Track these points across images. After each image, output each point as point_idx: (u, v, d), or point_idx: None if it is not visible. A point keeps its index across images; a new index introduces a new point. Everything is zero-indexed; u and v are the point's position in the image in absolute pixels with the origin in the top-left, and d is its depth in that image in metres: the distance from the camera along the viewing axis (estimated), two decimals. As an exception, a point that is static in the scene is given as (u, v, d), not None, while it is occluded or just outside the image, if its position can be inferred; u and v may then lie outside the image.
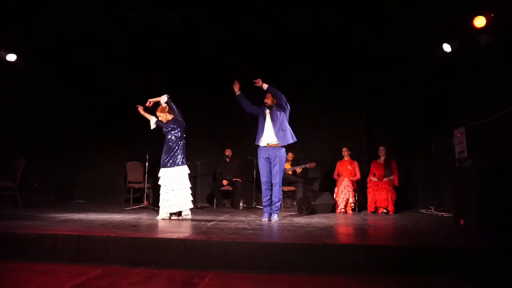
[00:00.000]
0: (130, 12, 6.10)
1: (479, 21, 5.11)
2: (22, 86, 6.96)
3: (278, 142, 4.80)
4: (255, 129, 5.03)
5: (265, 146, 4.85)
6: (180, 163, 4.83)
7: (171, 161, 4.81)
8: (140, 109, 5.24)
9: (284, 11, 6.12)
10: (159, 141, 7.40)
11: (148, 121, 5.25)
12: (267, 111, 4.95)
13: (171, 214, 4.80)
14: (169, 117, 5.04)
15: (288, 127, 4.90)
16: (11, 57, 6.41)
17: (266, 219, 4.79)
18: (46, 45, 6.80)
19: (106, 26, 6.41)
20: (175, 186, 4.74)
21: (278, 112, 4.86)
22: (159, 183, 4.88)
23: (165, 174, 4.81)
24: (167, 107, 5.02)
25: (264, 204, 4.89)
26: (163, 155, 4.87)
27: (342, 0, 5.85)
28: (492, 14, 5.03)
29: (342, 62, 7.36)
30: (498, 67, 5.03)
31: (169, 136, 4.92)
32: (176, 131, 4.92)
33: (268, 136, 4.85)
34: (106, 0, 5.80)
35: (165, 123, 5.02)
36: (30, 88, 7.04)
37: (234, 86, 4.97)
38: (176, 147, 4.87)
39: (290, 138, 4.87)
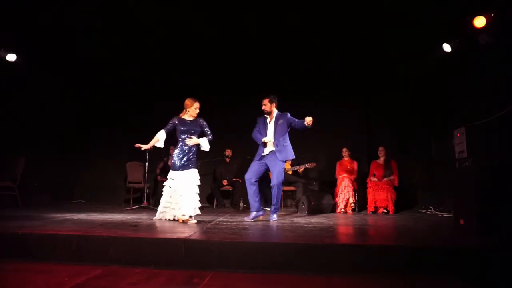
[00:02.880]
0: (129, 12, 6.10)
1: (479, 21, 5.12)
2: (22, 86, 6.96)
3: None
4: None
5: (267, 155, 4.88)
6: (194, 166, 4.57)
7: (187, 163, 4.52)
8: (143, 147, 4.79)
9: (283, 12, 6.12)
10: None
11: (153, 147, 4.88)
12: (268, 119, 4.99)
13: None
14: (191, 117, 4.69)
15: (289, 143, 4.92)
16: (11, 57, 6.42)
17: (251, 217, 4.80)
18: (46, 45, 6.80)
19: (107, 25, 6.42)
20: (186, 188, 4.45)
21: (284, 125, 4.86)
22: (167, 184, 4.60)
23: (178, 177, 4.52)
24: (189, 103, 4.67)
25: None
26: (178, 157, 4.55)
27: (343, 0, 5.85)
28: (492, 14, 5.03)
29: (342, 62, 7.36)
30: (498, 67, 5.03)
31: (187, 136, 4.61)
32: (196, 134, 4.64)
33: (270, 146, 4.89)
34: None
35: (185, 122, 4.65)
36: (30, 88, 7.05)
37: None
38: (194, 149, 4.60)
39: (290, 155, 4.89)
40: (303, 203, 6.36)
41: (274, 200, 4.84)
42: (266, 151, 4.90)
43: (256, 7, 6.03)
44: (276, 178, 4.77)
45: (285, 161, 4.93)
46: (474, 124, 4.30)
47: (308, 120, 4.63)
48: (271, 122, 4.97)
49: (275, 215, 4.87)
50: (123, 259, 2.97)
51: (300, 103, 7.50)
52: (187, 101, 4.70)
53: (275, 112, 4.99)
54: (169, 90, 7.85)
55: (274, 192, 4.80)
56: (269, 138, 4.90)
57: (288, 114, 4.93)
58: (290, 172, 7.20)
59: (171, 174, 4.61)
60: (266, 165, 4.89)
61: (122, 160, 7.68)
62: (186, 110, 4.72)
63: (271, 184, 4.82)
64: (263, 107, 4.97)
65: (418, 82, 6.89)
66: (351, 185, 6.59)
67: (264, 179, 5.07)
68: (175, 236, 3.29)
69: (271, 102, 4.96)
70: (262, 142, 4.90)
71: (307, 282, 2.63)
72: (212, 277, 2.65)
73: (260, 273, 2.76)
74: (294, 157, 4.98)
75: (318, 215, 5.94)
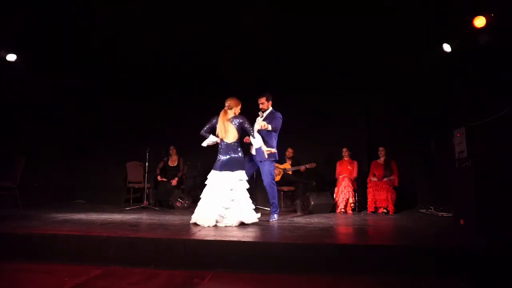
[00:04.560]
0: (129, 10, 6.10)
1: (479, 21, 5.11)
2: (22, 86, 6.95)
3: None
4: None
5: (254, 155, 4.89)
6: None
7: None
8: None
9: (283, 11, 6.11)
10: (158, 140, 7.47)
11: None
12: (259, 117, 4.93)
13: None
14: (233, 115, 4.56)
15: (271, 144, 4.76)
16: (11, 57, 6.41)
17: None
18: (46, 45, 6.79)
19: (105, 25, 6.42)
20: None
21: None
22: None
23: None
24: (237, 102, 4.57)
25: None
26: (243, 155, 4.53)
27: (342, 0, 5.85)
28: (492, 14, 5.03)
29: (342, 62, 7.36)
30: (498, 67, 5.03)
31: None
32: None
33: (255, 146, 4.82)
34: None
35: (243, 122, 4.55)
36: (30, 88, 7.04)
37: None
38: None
39: (263, 154, 4.65)
40: (303, 203, 6.36)
41: (270, 201, 4.87)
42: (253, 151, 4.89)
43: (256, 7, 6.03)
44: (265, 178, 4.78)
45: (266, 161, 4.73)
46: (474, 124, 4.30)
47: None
48: (257, 121, 4.90)
49: (275, 215, 4.87)
50: (123, 259, 2.97)
51: (301, 104, 7.54)
52: (235, 101, 4.56)
53: (269, 110, 4.94)
54: (169, 90, 7.87)
55: (268, 192, 4.83)
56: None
57: (277, 114, 4.82)
58: (290, 172, 7.20)
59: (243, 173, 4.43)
60: (256, 165, 4.87)
61: (122, 160, 7.67)
62: (230, 110, 4.55)
63: (264, 184, 4.85)
64: (261, 106, 4.92)
65: (418, 82, 6.88)
66: (351, 185, 6.60)
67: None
68: (175, 236, 3.29)
69: (268, 100, 4.92)
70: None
71: (307, 282, 2.63)
72: (212, 277, 2.65)
73: (260, 273, 2.76)
74: (274, 159, 4.79)
75: (318, 215, 5.94)
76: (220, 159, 4.44)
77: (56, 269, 2.80)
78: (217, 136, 4.51)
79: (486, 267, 2.74)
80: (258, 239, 3.37)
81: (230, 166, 4.37)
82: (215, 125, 4.53)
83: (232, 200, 4.27)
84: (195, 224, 4.23)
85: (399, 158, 6.93)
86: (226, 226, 4.12)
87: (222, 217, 4.23)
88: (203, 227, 3.99)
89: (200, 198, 4.43)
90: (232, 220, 4.21)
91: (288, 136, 7.37)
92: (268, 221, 4.77)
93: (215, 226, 4.12)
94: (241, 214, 4.27)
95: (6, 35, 6.15)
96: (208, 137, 4.56)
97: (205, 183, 4.47)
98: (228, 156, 4.41)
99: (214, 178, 4.37)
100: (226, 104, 4.55)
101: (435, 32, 5.93)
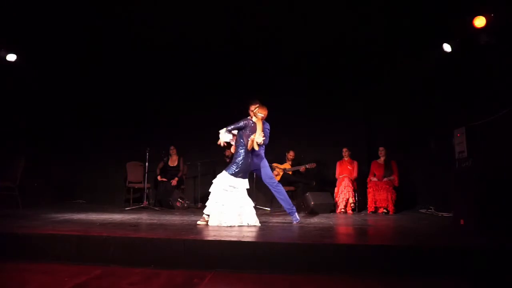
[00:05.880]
0: (128, 12, 6.11)
1: (479, 21, 5.11)
2: (22, 86, 6.96)
3: None
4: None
5: None
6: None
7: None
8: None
9: (282, 9, 6.11)
10: (158, 140, 7.47)
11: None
12: None
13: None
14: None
15: (260, 153, 4.65)
16: (11, 57, 6.41)
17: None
18: (46, 45, 6.79)
19: (106, 25, 6.42)
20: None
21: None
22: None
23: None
24: (256, 107, 4.60)
25: None
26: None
27: (341, 0, 5.86)
28: (492, 14, 5.03)
29: (342, 62, 7.36)
30: (498, 67, 5.03)
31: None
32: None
33: None
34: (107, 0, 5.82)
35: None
36: (30, 88, 7.05)
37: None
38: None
39: (257, 163, 4.66)
40: (303, 203, 6.36)
41: (281, 202, 4.69)
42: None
43: (256, 8, 6.04)
44: (267, 182, 4.67)
45: (260, 168, 4.69)
46: (474, 124, 4.30)
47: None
48: None
49: (295, 214, 4.63)
50: (123, 259, 2.97)
51: (301, 103, 7.54)
52: (265, 109, 4.60)
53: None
54: (169, 90, 7.87)
55: (278, 198, 4.66)
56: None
57: (266, 125, 4.69)
58: (290, 172, 7.20)
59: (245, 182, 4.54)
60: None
61: (122, 160, 7.67)
62: (263, 117, 4.58)
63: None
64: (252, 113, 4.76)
65: (418, 82, 6.88)
66: (351, 185, 6.60)
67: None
68: (175, 236, 3.29)
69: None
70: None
71: (307, 282, 2.62)
72: (212, 277, 2.65)
73: (260, 273, 2.75)
74: (265, 164, 4.73)
75: (318, 215, 5.94)
76: (242, 164, 4.44)
77: (56, 269, 2.80)
78: (244, 141, 4.48)
79: (486, 267, 2.74)
80: (258, 239, 3.37)
81: (246, 173, 4.50)
82: (240, 127, 4.51)
83: (241, 207, 4.37)
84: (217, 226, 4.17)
85: (399, 158, 6.93)
86: (236, 226, 4.21)
87: (241, 221, 4.32)
88: (204, 227, 4.00)
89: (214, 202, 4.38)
90: (247, 220, 4.34)
91: (288, 136, 7.40)
92: (267, 222, 4.75)
93: (231, 226, 4.17)
94: (251, 215, 4.39)
95: (6, 35, 6.15)
96: (229, 138, 4.56)
97: (222, 187, 4.39)
98: (247, 163, 4.48)
99: (233, 183, 4.38)
100: (262, 115, 4.53)
101: (435, 32, 5.93)
